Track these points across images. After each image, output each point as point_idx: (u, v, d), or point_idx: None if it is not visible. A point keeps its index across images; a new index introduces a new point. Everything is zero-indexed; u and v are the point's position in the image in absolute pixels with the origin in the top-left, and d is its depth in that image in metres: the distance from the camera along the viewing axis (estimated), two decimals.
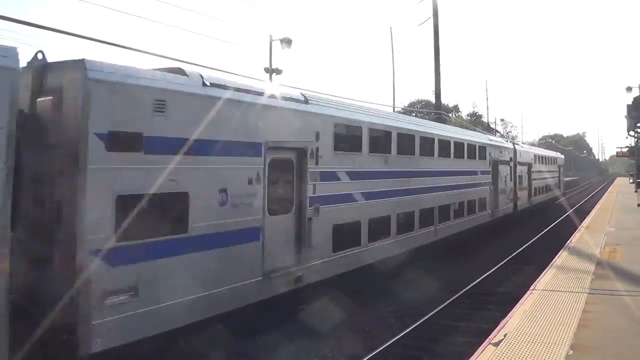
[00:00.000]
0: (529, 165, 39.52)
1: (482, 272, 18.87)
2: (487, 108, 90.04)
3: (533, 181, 40.61)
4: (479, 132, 38.82)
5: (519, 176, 35.67)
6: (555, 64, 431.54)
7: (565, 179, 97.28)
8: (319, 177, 13.76)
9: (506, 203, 32.23)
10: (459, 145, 24.82)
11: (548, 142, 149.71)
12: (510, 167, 33.40)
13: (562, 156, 62.93)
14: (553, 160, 52.82)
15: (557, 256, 16.00)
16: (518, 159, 35.38)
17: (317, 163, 13.67)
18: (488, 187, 28.49)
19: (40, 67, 8.57)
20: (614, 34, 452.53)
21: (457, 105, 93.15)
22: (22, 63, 7.90)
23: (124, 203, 8.58)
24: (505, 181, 31.97)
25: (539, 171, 43.34)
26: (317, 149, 13.70)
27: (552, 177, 50.07)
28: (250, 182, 11.44)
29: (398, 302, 15.38)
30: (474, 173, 26.62)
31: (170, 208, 9.71)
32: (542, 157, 46.85)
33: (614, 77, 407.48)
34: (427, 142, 21.18)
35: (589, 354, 7.60)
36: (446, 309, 14.71)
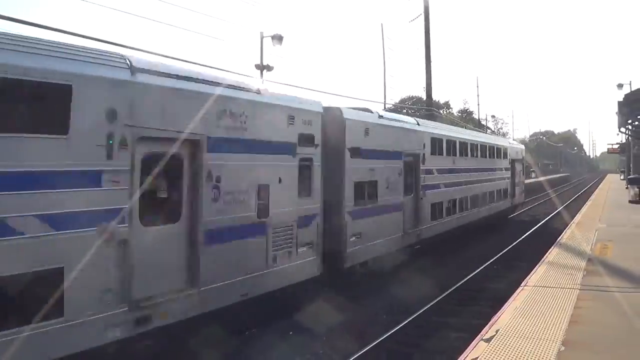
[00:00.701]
0: (414, 159, 20.24)
1: None
2: (478, 105, 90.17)
3: (429, 192, 21.12)
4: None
5: (367, 183, 16.57)
6: (547, 60, 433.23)
7: (550, 177, 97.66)
8: None
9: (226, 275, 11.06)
10: None
11: (539, 138, 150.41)
12: (308, 164, 14.02)
13: (521, 147, 41.50)
14: (496, 151, 31.87)
15: (548, 252, 16.08)
16: (359, 144, 16.19)
17: None
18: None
19: None
20: (605, 30, 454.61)
21: (448, 102, 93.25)
22: None
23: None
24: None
25: (453, 170, 24.21)
26: None
27: (497, 180, 31.10)
28: None
29: None
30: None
31: None
32: (460, 143, 25.66)
33: (605, 74, 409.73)
34: None
35: (581, 349, 7.59)
36: None
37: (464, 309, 14.45)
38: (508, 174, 34.03)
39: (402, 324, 12.80)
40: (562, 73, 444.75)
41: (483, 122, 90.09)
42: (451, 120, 65.77)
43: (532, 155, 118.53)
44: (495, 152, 31.61)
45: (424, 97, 44.50)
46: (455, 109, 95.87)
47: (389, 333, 12.14)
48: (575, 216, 27.16)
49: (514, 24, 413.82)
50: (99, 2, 36.64)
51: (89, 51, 8.73)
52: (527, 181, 73.46)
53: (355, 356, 10.77)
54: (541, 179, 78.20)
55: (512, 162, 35.19)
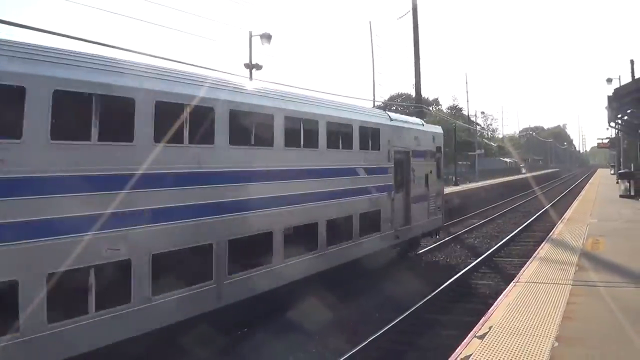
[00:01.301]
0: None
1: None
2: (467, 101, 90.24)
3: None
4: None
5: None
6: (536, 56, 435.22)
7: (539, 173, 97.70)
8: None
9: None
10: None
11: (529, 134, 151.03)
12: None
13: (433, 130, 23.59)
14: (328, 135, 15.13)
15: (540, 248, 16.06)
16: None
17: None
18: None
19: None
20: (594, 25, 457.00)
21: (437, 99, 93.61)
22: None
23: None
24: None
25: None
26: None
27: (337, 198, 15.46)
28: None
29: None
30: None
31: None
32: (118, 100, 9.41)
33: (594, 69, 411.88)
34: None
35: (574, 345, 7.53)
36: None
37: None
38: (387, 181, 18.26)
39: None
40: (552, 68, 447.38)
41: (472, 119, 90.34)
42: (441, 118, 65.92)
43: (521, 151, 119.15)
44: (330, 135, 15.27)
45: (414, 94, 44.50)
46: (444, 105, 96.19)
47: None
48: (564, 214, 27.11)
49: (502, 20, 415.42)
50: (87, 2, 36.45)
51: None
52: (517, 177, 73.77)
53: None
54: (527, 175, 78.36)
55: (404, 156, 19.59)
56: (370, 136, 17.43)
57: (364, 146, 16.95)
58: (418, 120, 23.04)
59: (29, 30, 11.48)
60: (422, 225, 21.25)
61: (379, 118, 18.66)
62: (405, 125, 20.56)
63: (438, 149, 23.05)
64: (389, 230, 18.38)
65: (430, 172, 21.85)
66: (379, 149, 17.85)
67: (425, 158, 21.41)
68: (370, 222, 17.24)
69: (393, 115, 20.25)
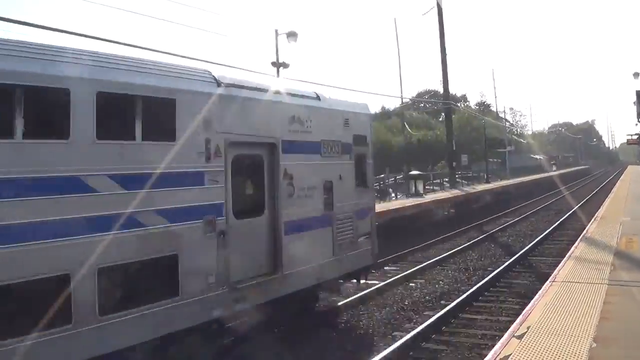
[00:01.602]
0: None
1: None
2: (495, 97, 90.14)
3: None
4: None
5: None
6: (564, 51, 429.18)
7: (570, 170, 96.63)
8: None
9: None
10: None
11: (558, 130, 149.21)
12: None
13: (353, 109, 13.69)
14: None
15: (574, 246, 16.01)
16: None
17: None
18: None
19: None
20: (623, 19, 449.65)
21: (465, 95, 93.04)
22: None
23: None
24: None
25: None
26: None
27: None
28: None
29: None
30: None
31: None
32: None
33: (622, 64, 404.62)
34: None
35: (612, 346, 7.56)
36: None
37: None
38: (201, 198, 9.26)
39: None
40: (580, 63, 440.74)
41: (501, 115, 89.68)
42: (470, 114, 65.52)
43: (552, 147, 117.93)
44: None
45: (441, 90, 44.41)
46: (472, 102, 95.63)
47: None
48: (596, 212, 26.78)
49: (530, 15, 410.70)
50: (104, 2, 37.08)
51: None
52: (548, 174, 72.79)
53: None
54: (558, 172, 77.47)
55: (263, 150, 10.88)
56: (144, 113, 8.50)
57: (118, 133, 8.29)
58: (306, 91, 12.80)
59: (29, 27, 11.67)
60: (319, 270, 12.09)
61: (178, 81, 9.26)
62: (264, 96, 10.90)
63: (358, 139, 13.75)
64: (207, 291, 9.30)
65: (340, 177, 12.82)
66: (173, 139, 8.94)
67: (322, 154, 12.31)
68: (145, 281, 8.48)
69: (235, 77, 10.83)
